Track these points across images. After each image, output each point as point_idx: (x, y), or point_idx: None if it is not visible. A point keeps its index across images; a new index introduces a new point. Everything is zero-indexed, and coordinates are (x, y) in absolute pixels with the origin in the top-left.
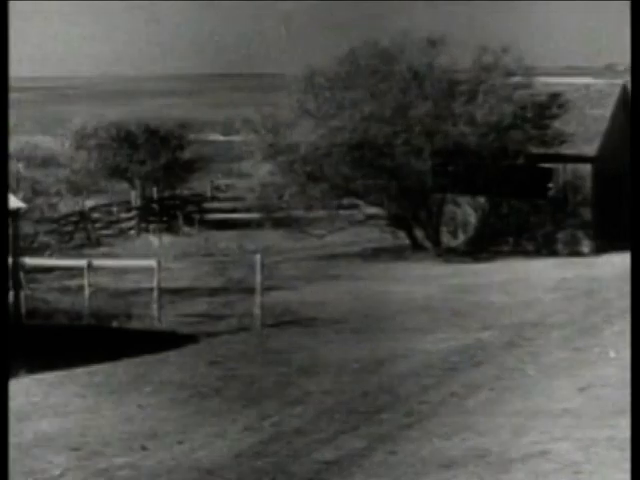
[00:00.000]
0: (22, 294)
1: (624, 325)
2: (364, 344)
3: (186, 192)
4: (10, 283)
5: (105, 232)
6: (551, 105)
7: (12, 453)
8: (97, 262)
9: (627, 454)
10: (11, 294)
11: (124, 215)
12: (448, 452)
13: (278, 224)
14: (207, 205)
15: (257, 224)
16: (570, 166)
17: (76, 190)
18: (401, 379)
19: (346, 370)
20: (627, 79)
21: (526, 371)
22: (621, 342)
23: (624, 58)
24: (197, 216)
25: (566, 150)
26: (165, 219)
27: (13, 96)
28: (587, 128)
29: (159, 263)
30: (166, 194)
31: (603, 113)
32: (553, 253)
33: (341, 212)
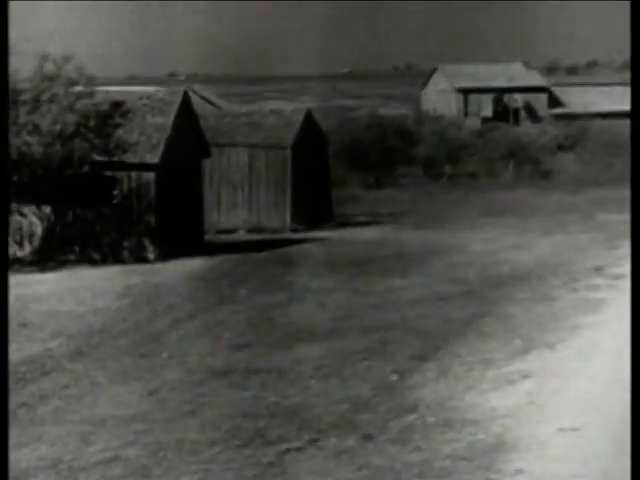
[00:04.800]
0: None
1: (190, 329)
2: None
3: None
4: None
5: None
6: (113, 114)
7: None
8: None
9: (196, 457)
10: None
11: None
12: (19, 464)
13: None
14: None
15: None
16: (135, 174)
17: None
18: None
19: None
20: (187, 86)
21: (94, 378)
22: (187, 345)
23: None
24: None
25: (130, 158)
26: None
27: None
28: (150, 136)
29: None
30: None
31: (165, 121)
32: (119, 261)
33: None
